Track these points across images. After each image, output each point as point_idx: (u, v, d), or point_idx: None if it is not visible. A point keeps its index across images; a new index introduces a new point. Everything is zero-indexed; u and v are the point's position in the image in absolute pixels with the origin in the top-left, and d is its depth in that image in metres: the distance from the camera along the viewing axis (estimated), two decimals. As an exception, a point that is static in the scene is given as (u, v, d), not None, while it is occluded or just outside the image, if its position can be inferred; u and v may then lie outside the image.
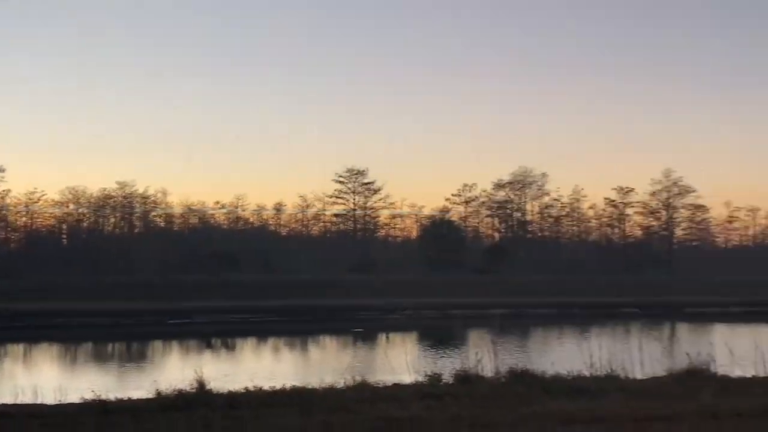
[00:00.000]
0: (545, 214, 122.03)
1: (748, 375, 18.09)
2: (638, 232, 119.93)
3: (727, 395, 14.92)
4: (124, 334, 53.75)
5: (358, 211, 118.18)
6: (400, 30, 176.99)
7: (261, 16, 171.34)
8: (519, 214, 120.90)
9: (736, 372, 18.34)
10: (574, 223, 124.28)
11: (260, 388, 16.16)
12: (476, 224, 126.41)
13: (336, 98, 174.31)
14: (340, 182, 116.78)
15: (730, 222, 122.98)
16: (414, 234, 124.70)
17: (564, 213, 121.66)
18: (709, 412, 13.08)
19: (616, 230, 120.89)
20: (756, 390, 15.67)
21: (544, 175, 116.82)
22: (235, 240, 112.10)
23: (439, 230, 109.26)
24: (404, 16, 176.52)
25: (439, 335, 45.05)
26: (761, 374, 18.00)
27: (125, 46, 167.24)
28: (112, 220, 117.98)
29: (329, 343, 49.70)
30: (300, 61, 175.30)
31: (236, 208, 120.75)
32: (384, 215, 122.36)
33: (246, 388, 16.18)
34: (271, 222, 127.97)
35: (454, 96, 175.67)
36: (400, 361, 20.63)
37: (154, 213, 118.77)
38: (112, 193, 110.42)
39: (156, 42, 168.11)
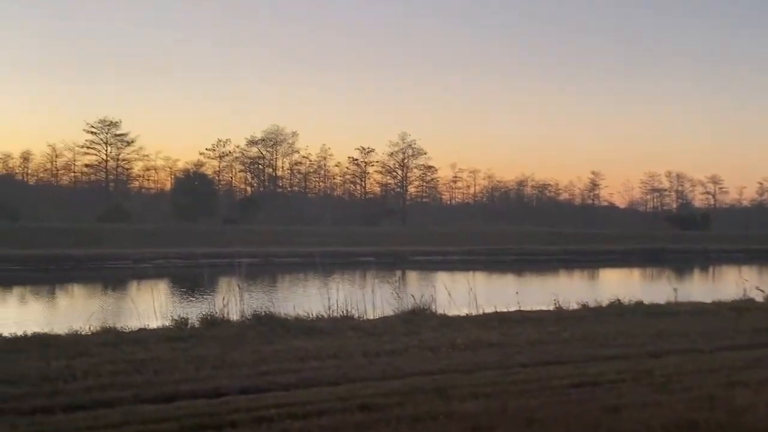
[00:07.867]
0: (295, 171, 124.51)
1: (463, 314, 19.46)
2: (377, 189, 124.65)
3: (444, 331, 16.04)
4: None
5: (111, 162, 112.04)
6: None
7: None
8: (270, 170, 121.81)
9: (453, 311, 19.66)
10: (321, 179, 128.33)
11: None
12: (230, 178, 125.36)
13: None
14: (92, 132, 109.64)
15: (454, 181, 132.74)
16: (168, 186, 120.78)
17: (312, 170, 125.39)
18: (428, 345, 13.99)
19: (358, 187, 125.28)
20: (467, 326, 16.97)
21: (294, 133, 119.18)
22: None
23: (192, 182, 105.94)
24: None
25: (188, 283, 43.66)
26: (473, 313, 19.49)
27: None
28: None
29: (77, 291, 46.61)
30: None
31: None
32: (138, 167, 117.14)
33: (-17, 336, 14.77)
34: (17, 171, 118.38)
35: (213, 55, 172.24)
36: (147, 308, 19.80)
37: None
38: None
39: None
